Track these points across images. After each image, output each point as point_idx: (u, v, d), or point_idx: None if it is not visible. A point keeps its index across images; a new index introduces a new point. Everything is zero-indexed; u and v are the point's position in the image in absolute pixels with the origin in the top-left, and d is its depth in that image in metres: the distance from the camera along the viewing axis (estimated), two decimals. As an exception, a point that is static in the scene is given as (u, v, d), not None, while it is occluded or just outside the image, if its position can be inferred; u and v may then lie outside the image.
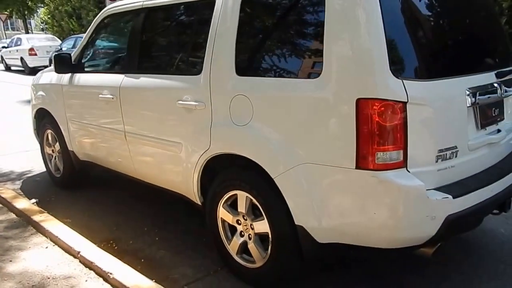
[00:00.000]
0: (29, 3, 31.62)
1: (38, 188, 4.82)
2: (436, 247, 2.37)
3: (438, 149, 2.27)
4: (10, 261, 3.06)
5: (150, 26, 3.56)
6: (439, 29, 2.57)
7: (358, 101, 2.13)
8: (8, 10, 33.79)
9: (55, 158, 4.74)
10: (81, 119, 4.13)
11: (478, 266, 3.04)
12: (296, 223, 2.44)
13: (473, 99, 2.44)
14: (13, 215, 3.85)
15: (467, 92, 2.40)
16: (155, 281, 2.73)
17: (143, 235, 3.61)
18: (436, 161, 2.27)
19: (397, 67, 2.15)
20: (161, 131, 3.28)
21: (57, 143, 4.58)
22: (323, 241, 2.40)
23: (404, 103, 2.12)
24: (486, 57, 2.81)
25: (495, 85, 2.60)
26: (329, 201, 2.33)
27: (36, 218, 3.65)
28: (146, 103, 3.40)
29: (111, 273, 2.78)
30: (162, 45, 3.61)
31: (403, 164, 2.18)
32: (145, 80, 3.36)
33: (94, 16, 19.92)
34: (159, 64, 3.54)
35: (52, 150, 4.74)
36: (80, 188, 4.66)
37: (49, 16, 27.87)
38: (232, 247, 2.87)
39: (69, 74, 4.16)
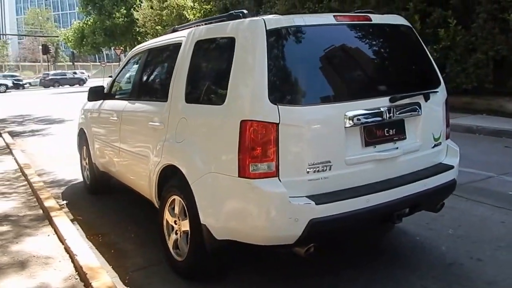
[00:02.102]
0: (139, 38, 35.48)
1: (75, 192, 5.87)
2: (308, 247, 2.78)
3: (309, 162, 2.74)
4: (17, 243, 3.96)
5: (143, 63, 4.46)
6: (319, 66, 3.04)
7: (241, 122, 2.71)
8: (122, 46, 38.27)
9: (86, 169, 5.75)
10: (99, 136, 5.08)
11: (377, 269, 3.36)
12: (201, 222, 3.01)
13: (352, 121, 2.86)
14: (40, 211, 4.82)
15: (346, 116, 2.84)
16: (101, 265, 3.43)
17: (125, 232, 4.35)
18: (307, 173, 2.74)
19: (275, 96, 2.70)
20: (139, 146, 4.06)
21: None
22: (220, 237, 2.94)
23: (277, 124, 2.65)
24: (376, 85, 3.19)
25: (382, 109, 2.98)
26: (222, 204, 2.90)
27: (53, 213, 4.56)
28: (133, 124, 4.22)
29: (76, 255, 3.53)
30: (148, 78, 4.44)
31: (276, 174, 2.69)
32: (135, 105, 4.22)
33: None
34: (145, 92, 4.34)
35: (86, 163, 5.76)
36: (103, 194, 5.57)
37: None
38: (170, 243, 3.48)
39: (99, 101, 5.13)
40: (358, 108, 2.90)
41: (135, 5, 32.71)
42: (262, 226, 2.74)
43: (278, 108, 2.67)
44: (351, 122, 2.87)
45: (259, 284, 3.30)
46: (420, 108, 3.20)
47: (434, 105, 3.33)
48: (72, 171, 6.78)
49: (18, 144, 9.54)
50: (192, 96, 3.34)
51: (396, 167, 3.10)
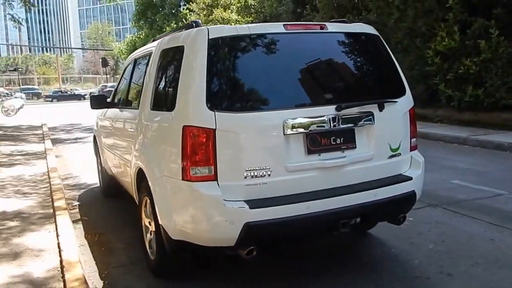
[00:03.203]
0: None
1: (90, 195, 6.28)
2: (249, 249, 2.89)
3: (246, 168, 2.86)
4: (19, 236, 4.32)
5: (129, 72, 4.81)
6: (260, 74, 3.13)
7: (183, 127, 2.89)
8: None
9: (100, 173, 6.13)
10: (104, 142, 5.43)
11: (338, 277, 3.39)
12: (160, 222, 3.20)
13: (292, 129, 2.95)
14: (50, 210, 5.20)
15: (285, 123, 2.93)
16: (80, 260, 3.70)
17: (121, 233, 4.61)
18: (245, 178, 2.86)
19: (212, 103, 2.86)
20: (123, 150, 4.36)
21: (101, 161, 5.97)
22: (175, 237, 3.10)
23: (214, 130, 2.81)
24: (321, 94, 3.25)
25: (326, 117, 3.03)
26: (172, 206, 3.07)
27: (58, 212, 4.93)
28: (119, 130, 4.55)
29: (63, 250, 3.83)
30: (129, 86, 4.71)
31: (214, 178, 2.84)
32: (122, 113, 4.52)
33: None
34: (127, 100, 4.63)
35: (100, 167, 6.14)
36: (114, 196, 5.90)
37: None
38: (146, 242, 3.70)
39: (105, 109, 5.48)
40: (299, 115, 2.98)
41: (184, 19, 33.96)
42: (203, 228, 2.89)
43: (215, 114, 2.82)
44: (290, 129, 2.95)
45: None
46: (373, 117, 3.21)
47: (392, 115, 3.32)
48: (95, 176, 7.20)
49: (57, 150, 10.21)
50: (155, 103, 3.55)
51: (344, 176, 3.13)
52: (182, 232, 3.02)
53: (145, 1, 40.37)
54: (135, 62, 4.66)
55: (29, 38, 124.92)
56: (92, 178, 7.06)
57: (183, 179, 2.89)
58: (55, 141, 11.96)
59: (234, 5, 26.31)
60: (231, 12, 26.38)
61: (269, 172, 2.90)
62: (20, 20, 18.45)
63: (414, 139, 3.52)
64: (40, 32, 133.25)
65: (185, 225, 2.97)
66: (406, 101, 3.44)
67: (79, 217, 5.27)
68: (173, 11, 39.47)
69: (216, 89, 2.94)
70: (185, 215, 2.97)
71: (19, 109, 22.79)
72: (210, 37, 2.99)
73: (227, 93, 3.00)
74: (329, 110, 3.05)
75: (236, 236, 2.79)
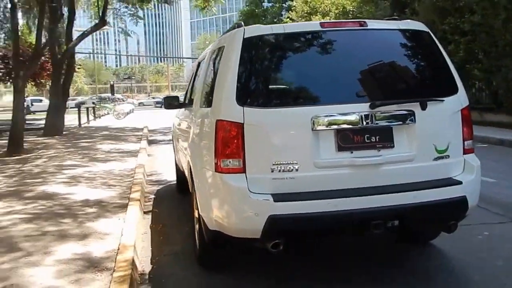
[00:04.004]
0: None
1: (167, 190, 6.71)
2: (274, 243, 2.90)
3: (273, 161, 2.89)
4: (93, 221, 4.75)
5: (194, 74, 5.09)
6: (291, 71, 3.16)
7: (216, 122, 3.01)
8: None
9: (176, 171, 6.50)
10: (175, 141, 5.79)
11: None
12: (200, 213, 3.34)
13: (320, 125, 2.94)
14: (126, 201, 5.65)
15: (313, 119, 2.92)
16: (135, 244, 3.97)
17: (183, 225, 4.78)
18: (272, 171, 2.89)
19: (242, 100, 2.96)
20: (184, 147, 4.62)
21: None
22: (212, 228, 3.21)
23: (242, 124, 2.89)
24: (355, 91, 3.14)
25: (358, 115, 2.96)
26: (208, 197, 3.20)
27: (131, 203, 5.34)
28: (181, 128, 4.84)
29: (123, 235, 4.15)
30: (193, 87, 4.91)
31: (243, 170, 2.92)
32: (184, 112, 4.80)
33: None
34: (191, 99, 4.79)
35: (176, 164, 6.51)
36: (185, 192, 6.20)
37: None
38: (196, 233, 3.86)
39: (178, 109, 5.81)
40: (328, 112, 2.94)
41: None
42: (231, 219, 2.97)
43: (243, 109, 2.91)
44: (319, 126, 2.93)
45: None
46: (414, 116, 3.05)
47: (438, 115, 3.13)
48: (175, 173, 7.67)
49: (150, 150, 10.99)
50: (202, 101, 3.75)
51: (379, 176, 3.01)
52: (216, 222, 3.12)
53: (248, 11, 41.83)
54: (198, 64, 4.91)
55: (146, 49, 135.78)
56: (173, 176, 7.49)
57: (215, 170, 3.01)
58: (151, 142, 12.87)
59: (332, 11, 26.27)
60: (330, 19, 26.46)
61: (296, 167, 2.90)
62: (129, 32, 20.23)
63: (470, 142, 3.27)
64: (156, 43, 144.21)
65: (218, 216, 3.07)
66: (456, 101, 3.22)
67: (150, 208, 5.64)
68: (275, 20, 40.36)
69: (246, 86, 3.03)
70: (218, 206, 3.07)
71: (128, 113, 24.90)
72: (245, 37, 3.09)
73: (256, 89, 3.09)
74: (362, 108, 2.98)
75: (261, 228, 2.83)
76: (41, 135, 14.43)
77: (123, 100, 41.14)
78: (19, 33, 13.85)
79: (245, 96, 2.98)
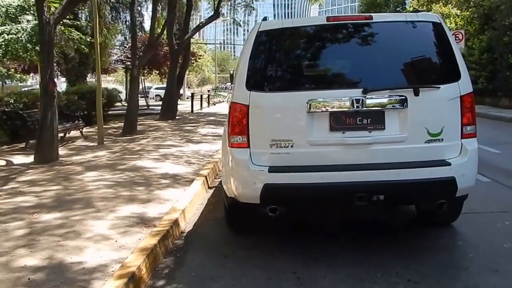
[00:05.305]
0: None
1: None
2: (270, 208, 3.40)
3: (272, 138, 3.33)
4: (161, 190, 5.57)
5: None
6: (293, 60, 3.56)
7: (231, 103, 3.53)
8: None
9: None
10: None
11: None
12: (222, 183, 3.89)
13: (314, 108, 3.31)
14: (196, 176, 6.38)
15: (308, 102, 3.29)
16: (184, 209, 4.63)
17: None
18: (271, 147, 3.34)
19: (249, 84, 3.46)
20: None
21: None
22: (229, 195, 3.76)
23: (247, 106, 3.36)
24: (349, 78, 3.49)
25: (350, 99, 3.26)
26: (225, 168, 3.76)
27: (197, 178, 6.11)
28: None
29: (177, 201, 4.85)
30: None
31: (247, 145, 3.42)
32: None
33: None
34: None
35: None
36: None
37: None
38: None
39: None
40: (322, 97, 3.29)
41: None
42: (238, 186, 3.51)
43: (250, 93, 3.35)
44: (314, 108, 3.30)
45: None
46: (407, 101, 3.22)
47: (433, 101, 3.29)
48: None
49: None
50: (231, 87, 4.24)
51: (368, 154, 3.28)
52: (231, 190, 3.66)
53: (369, 1, 40.93)
54: None
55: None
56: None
57: (229, 146, 3.52)
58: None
59: (454, -1, 24.68)
60: (451, 7, 24.91)
61: (291, 144, 3.29)
62: (240, 22, 21.38)
63: (470, 127, 3.39)
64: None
65: (231, 184, 3.59)
66: (455, 88, 3.34)
67: (216, 184, 6.31)
68: (398, 9, 38.85)
69: (254, 73, 3.51)
70: (230, 176, 3.60)
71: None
72: (259, 30, 3.54)
73: (262, 76, 3.54)
74: (355, 93, 3.27)
75: (259, 194, 3.29)
76: (157, 119, 16.17)
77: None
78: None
79: (252, 82, 3.46)
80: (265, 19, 3.81)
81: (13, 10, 15.50)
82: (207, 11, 22.77)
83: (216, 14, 17.56)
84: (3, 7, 15.73)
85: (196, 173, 6.52)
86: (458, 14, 23.32)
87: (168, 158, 7.88)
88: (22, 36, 13.98)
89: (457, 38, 19.42)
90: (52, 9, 10.16)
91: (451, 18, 23.42)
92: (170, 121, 15.59)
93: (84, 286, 2.96)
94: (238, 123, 3.43)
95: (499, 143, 8.74)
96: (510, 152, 7.96)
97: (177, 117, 16.65)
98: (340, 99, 3.31)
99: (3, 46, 14.27)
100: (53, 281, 3.05)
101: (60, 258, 3.42)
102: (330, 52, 3.61)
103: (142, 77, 25.64)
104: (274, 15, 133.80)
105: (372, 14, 3.63)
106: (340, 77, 3.54)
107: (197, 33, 24.74)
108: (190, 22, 18.70)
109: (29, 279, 3.09)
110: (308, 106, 3.31)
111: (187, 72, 29.75)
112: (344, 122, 3.32)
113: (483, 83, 17.05)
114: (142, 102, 24.92)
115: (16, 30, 14.45)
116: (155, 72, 24.61)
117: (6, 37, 14.29)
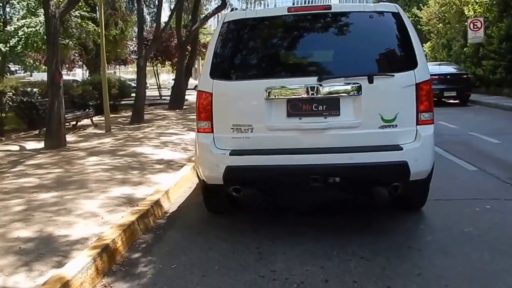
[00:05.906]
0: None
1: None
2: (234, 188, 3.74)
3: (232, 123, 3.66)
4: (153, 174, 5.93)
5: None
6: (253, 50, 3.85)
7: (198, 91, 3.89)
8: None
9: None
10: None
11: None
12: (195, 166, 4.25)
13: (271, 95, 3.58)
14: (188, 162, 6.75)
15: (266, 90, 3.58)
16: (167, 190, 5.01)
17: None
18: (232, 131, 3.67)
19: (213, 73, 3.77)
20: None
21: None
22: (201, 178, 4.07)
23: (211, 93, 3.71)
24: (306, 66, 3.78)
25: (305, 87, 3.51)
26: (196, 152, 4.08)
27: (188, 164, 6.45)
28: None
29: (162, 184, 5.23)
30: None
31: (211, 130, 3.76)
32: None
33: (461, 47, 19.45)
34: None
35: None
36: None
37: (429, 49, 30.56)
38: None
39: None
40: (279, 84, 3.57)
41: (421, 4, 32.67)
42: (205, 169, 3.84)
43: (213, 82, 3.68)
44: (271, 95, 3.58)
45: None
46: (361, 89, 3.47)
47: (387, 88, 3.50)
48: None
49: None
50: None
51: (323, 139, 3.55)
52: (199, 173, 4.00)
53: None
54: None
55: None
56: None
57: (196, 131, 3.88)
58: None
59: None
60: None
61: (251, 129, 3.62)
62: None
63: (427, 114, 3.57)
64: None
65: (200, 167, 3.94)
66: (410, 76, 3.52)
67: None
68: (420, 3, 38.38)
69: (218, 62, 3.80)
70: (199, 159, 3.95)
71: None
72: (224, 21, 3.84)
73: (224, 65, 3.83)
74: (310, 81, 3.53)
75: (221, 176, 3.63)
76: (166, 109, 16.61)
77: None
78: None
79: (215, 71, 3.77)
80: (233, 9, 4.10)
81: (33, 4, 16.10)
82: (216, 1, 22.91)
83: (223, 4, 17.76)
84: (24, 0, 16.33)
85: (189, 160, 6.88)
86: (477, 0, 22.92)
87: (166, 145, 8.27)
88: (41, 29, 14.51)
89: (475, 27, 18.84)
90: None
91: (470, 6, 22.96)
92: (177, 110, 16.01)
93: (64, 255, 3.35)
94: (204, 109, 3.74)
95: (503, 133, 8.85)
96: (510, 143, 8.01)
97: (184, 107, 17.05)
98: (296, 87, 3.56)
99: (23, 38, 14.87)
100: (40, 250, 3.44)
101: (50, 231, 3.82)
102: (289, 42, 3.87)
103: (155, 68, 26.07)
104: (293, 3, 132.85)
105: (331, 4, 3.84)
106: (298, 65, 3.82)
107: (209, 24, 25.07)
108: (199, 13, 18.99)
109: (20, 248, 3.49)
110: (267, 94, 3.59)
111: (198, 62, 30.09)
112: (300, 108, 3.58)
113: (502, 73, 16.55)
114: (156, 92, 25.55)
115: (36, 23, 15.03)
116: (168, 63, 24.98)
117: (26, 30, 14.89)
